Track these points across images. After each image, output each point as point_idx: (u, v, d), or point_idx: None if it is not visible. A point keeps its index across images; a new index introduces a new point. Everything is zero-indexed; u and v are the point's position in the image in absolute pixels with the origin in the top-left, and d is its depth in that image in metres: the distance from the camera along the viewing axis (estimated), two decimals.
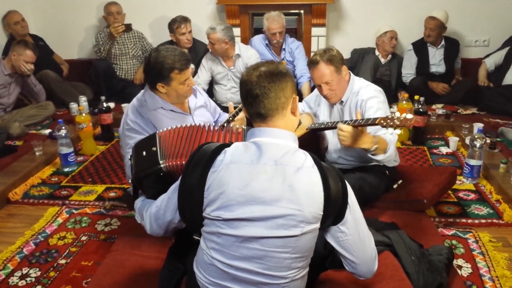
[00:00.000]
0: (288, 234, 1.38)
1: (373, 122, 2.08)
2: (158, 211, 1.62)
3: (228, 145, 1.51)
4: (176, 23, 4.56)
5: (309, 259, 1.51)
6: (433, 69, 4.87)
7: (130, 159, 1.96)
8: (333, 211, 1.42)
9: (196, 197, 1.45)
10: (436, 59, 4.87)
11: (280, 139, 1.48)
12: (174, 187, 1.57)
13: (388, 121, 1.99)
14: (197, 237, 1.55)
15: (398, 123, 1.96)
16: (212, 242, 1.46)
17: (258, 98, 1.47)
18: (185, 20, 4.58)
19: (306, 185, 1.39)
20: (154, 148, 1.90)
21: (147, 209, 1.69)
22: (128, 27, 4.91)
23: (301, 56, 4.55)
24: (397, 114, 1.97)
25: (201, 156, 1.48)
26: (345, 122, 2.22)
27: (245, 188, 1.39)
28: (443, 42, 4.85)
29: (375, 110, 2.43)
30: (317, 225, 1.42)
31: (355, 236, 1.47)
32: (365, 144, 2.22)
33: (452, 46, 4.88)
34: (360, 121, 2.16)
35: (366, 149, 2.26)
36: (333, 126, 2.43)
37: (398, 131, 2.00)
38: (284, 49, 4.58)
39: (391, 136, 2.34)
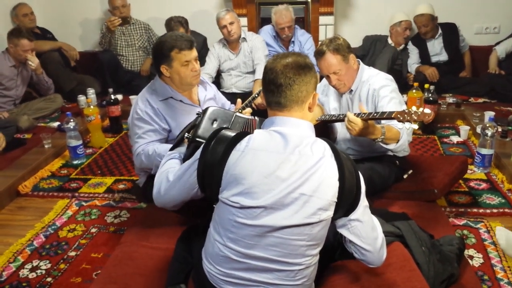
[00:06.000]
0: (306, 221, 1.41)
1: (389, 116, 2.05)
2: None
3: (249, 132, 1.53)
4: (169, 27, 4.48)
5: (321, 247, 1.53)
6: (435, 59, 4.80)
7: (198, 116, 2.07)
8: (347, 200, 1.45)
9: (216, 174, 1.47)
10: (436, 49, 4.80)
11: (300, 129, 1.50)
12: (191, 162, 1.59)
13: (405, 115, 1.95)
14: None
15: (415, 117, 1.92)
16: (226, 231, 1.47)
17: (281, 88, 1.48)
18: (178, 24, 4.48)
19: (325, 174, 1.42)
20: (226, 125, 1.96)
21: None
22: (125, 20, 4.91)
23: (311, 51, 4.50)
24: (414, 108, 1.94)
25: (224, 136, 1.51)
26: (358, 114, 2.19)
27: (270, 176, 1.41)
28: (439, 31, 4.78)
29: (388, 100, 2.39)
30: (331, 212, 1.44)
31: (366, 224, 1.50)
32: (372, 135, 2.21)
33: (450, 31, 4.80)
34: (375, 114, 2.13)
35: (374, 139, 2.25)
36: (344, 118, 2.40)
37: (415, 126, 1.96)
38: (293, 41, 4.53)
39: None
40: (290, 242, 1.43)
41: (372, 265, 1.58)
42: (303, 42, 4.50)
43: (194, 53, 2.39)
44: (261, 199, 1.41)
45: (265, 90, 1.54)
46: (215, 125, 1.97)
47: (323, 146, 1.47)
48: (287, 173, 1.41)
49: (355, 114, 2.20)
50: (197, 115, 2.12)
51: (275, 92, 1.49)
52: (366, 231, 1.50)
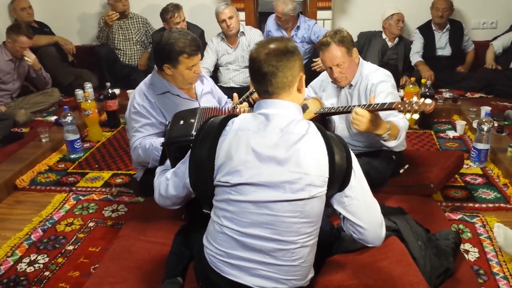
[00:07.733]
0: (296, 197, 1.43)
1: (389, 106, 2.03)
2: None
3: (235, 115, 1.56)
4: (169, 13, 4.41)
5: (318, 226, 1.53)
6: (439, 52, 4.83)
7: (167, 125, 2.03)
8: (339, 176, 1.46)
9: (207, 169, 1.50)
10: (442, 43, 4.83)
11: (285, 109, 1.52)
12: (185, 159, 1.62)
13: (406, 105, 1.93)
14: (207, 211, 1.59)
15: (416, 107, 1.91)
16: (223, 211, 1.50)
17: (266, 77, 1.50)
18: (177, 8, 4.43)
19: (311, 150, 1.44)
20: (192, 120, 1.95)
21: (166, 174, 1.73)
22: (123, 15, 4.88)
23: (322, 28, 4.54)
24: (415, 98, 1.94)
25: (209, 129, 1.53)
26: (359, 106, 2.18)
27: (252, 154, 1.44)
28: (448, 25, 4.81)
29: (385, 95, 2.39)
30: (324, 189, 1.45)
31: (361, 201, 1.51)
32: (379, 130, 2.17)
33: (456, 28, 4.83)
34: (375, 106, 2.11)
35: (379, 134, 2.20)
36: (344, 111, 2.37)
37: (416, 116, 1.94)
38: (298, 26, 4.50)
39: (403, 122, 2.30)
40: (283, 219, 1.44)
41: (371, 244, 1.58)
42: (311, 25, 4.48)
43: (200, 56, 2.39)
44: (246, 175, 1.44)
45: (252, 80, 1.57)
46: (182, 123, 1.94)
47: (307, 124, 1.49)
48: (269, 151, 1.44)
49: (358, 106, 2.18)
50: (165, 126, 2.12)
51: (261, 81, 1.52)
52: (361, 208, 1.51)
